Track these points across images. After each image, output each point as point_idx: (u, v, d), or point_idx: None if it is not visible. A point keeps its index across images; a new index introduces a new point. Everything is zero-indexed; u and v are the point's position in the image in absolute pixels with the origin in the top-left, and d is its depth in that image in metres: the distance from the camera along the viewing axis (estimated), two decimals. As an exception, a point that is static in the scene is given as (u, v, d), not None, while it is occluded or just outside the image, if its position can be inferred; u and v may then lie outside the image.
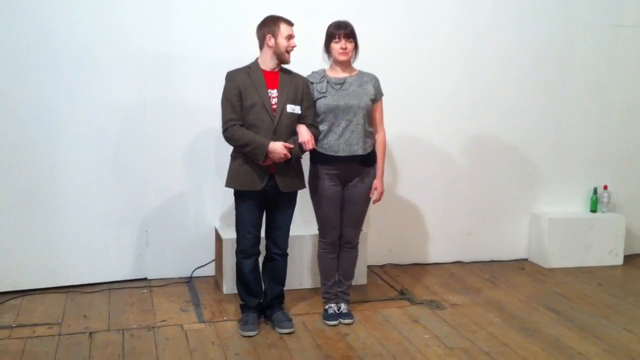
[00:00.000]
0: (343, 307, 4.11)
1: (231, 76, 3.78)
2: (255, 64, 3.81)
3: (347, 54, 3.84)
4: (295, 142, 3.75)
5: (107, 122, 4.47)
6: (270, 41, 3.73)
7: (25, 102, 4.26)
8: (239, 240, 3.91)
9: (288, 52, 3.74)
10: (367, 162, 3.94)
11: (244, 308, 4.00)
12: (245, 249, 3.89)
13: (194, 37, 4.55)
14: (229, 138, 3.75)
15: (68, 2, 4.26)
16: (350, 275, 4.16)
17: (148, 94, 4.53)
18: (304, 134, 3.77)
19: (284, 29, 3.71)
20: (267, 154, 3.66)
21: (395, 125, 4.71)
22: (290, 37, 3.73)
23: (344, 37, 3.81)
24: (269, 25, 3.74)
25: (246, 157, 3.74)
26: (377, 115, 3.99)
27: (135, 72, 4.47)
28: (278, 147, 3.66)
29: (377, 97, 3.95)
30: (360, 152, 3.87)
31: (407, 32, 5.00)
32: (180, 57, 4.55)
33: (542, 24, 5.30)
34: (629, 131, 5.68)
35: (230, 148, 3.84)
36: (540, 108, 5.42)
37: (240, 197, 3.85)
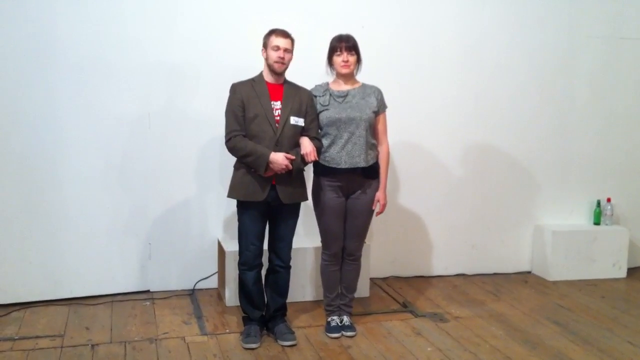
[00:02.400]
0: (345, 319, 4.10)
1: (235, 88, 3.81)
2: (260, 76, 3.85)
3: (348, 66, 3.86)
4: (298, 153, 3.76)
5: (111, 134, 4.49)
6: (264, 54, 3.81)
7: (29, 111, 4.29)
8: (241, 252, 3.92)
9: (277, 62, 3.75)
10: (370, 174, 3.95)
11: (246, 320, 4.00)
12: (247, 260, 3.89)
13: (199, 48, 4.58)
14: (231, 149, 3.77)
15: (73, 13, 4.30)
16: (352, 287, 4.16)
17: (152, 106, 4.55)
18: (306, 145, 3.79)
19: (272, 39, 3.76)
20: (268, 164, 3.68)
21: (398, 136, 4.72)
22: (277, 48, 3.74)
23: (346, 50, 3.83)
24: (264, 38, 3.82)
25: (248, 167, 3.76)
26: (380, 127, 4.00)
27: (139, 83, 4.49)
28: (279, 158, 3.68)
29: (380, 109, 3.97)
30: (362, 164, 3.88)
31: (409, 43, 5.03)
32: (184, 68, 4.57)
33: (546, 36, 5.33)
34: (633, 144, 5.68)
35: (234, 159, 3.86)
36: (544, 120, 5.43)
37: (242, 208, 3.87)
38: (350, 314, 4.15)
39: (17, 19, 4.18)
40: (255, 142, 3.72)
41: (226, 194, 3.90)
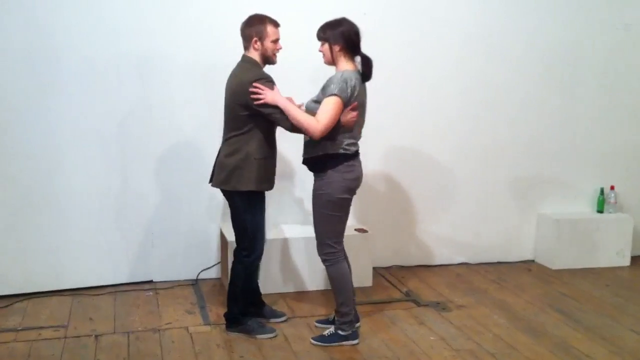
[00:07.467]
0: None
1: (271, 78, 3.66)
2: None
3: (324, 57, 3.64)
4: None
5: (112, 124, 4.48)
6: (257, 44, 3.61)
7: (26, 105, 4.27)
8: (255, 246, 3.75)
9: (274, 54, 3.66)
10: (313, 167, 3.71)
11: (239, 318, 3.86)
12: (261, 254, 3.83)
13: (195, 39, 4.54)
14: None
15: (66, 6, 4.27)
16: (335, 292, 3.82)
17: (155, 96, 4.53)
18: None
19: (271, 31, 3.61)
20: None
21: (402, 124, 4.69)
22: (277, 40, 3.64)
23: (318, 40, 3.63)
24: (256, 26, 3.61)
25: (264, 158, 3.65)
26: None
27: (142, 74, 4.48)
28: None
29: (319, 100, 3.56)
30: (305, 155, 3.69)
31: (412, 32, 4.97)
32: (182, 59, 4.54)
33: (553, 24, 5.26)
34: (636, 131, 5.63)
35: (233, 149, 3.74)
36: (548, 108, 5.39)
37: (256, 199, 3.72)
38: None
39: (9, 12, 4.16)
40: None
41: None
